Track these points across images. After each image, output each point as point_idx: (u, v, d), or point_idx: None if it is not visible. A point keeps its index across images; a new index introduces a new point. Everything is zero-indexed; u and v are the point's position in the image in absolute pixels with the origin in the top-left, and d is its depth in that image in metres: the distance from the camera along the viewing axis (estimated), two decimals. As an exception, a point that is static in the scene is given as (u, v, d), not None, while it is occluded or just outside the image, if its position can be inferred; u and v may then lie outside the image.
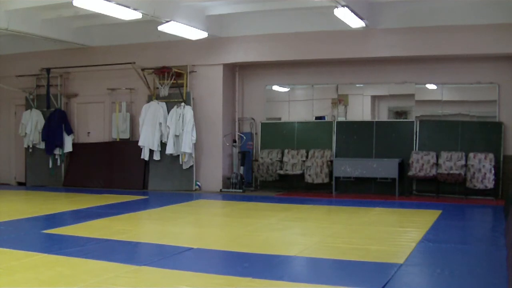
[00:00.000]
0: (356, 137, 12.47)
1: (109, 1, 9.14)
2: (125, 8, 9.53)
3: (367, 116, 12.73)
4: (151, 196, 12.06)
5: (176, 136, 12.65)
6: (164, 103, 12.94)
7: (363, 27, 11.29)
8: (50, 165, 13.97)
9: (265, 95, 13.48)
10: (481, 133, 11.57)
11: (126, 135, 13.65)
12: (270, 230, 7.80)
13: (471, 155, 11.31)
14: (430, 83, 12.18)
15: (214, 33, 12.33)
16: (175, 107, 12.74)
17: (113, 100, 13.80)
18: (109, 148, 13.80)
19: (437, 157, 11.59)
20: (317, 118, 13.10)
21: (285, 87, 13.52)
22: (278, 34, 12.38)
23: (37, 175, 14.19)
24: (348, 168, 11.84)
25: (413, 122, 12.09)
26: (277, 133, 13.20)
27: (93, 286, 4.74)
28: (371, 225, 8.13)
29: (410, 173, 11.54)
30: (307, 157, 12.63)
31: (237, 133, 13.41)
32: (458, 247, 6.53)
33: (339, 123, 12.69)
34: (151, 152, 12.94)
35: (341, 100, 12.88)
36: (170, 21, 10.84)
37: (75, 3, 9.17)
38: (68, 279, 4.95)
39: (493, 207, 10.09)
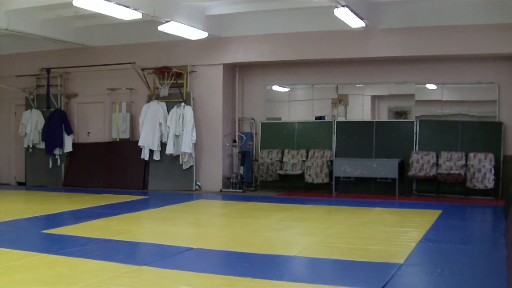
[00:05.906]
0: (356, 137, 12.47)
1: (109, 1, 9.14)
2: (125, 8, 9.53)
3: (367, 116, 12.73)
4: (151, 196, 12.06)
5: (176, 136, 12.66)
6: (164, 103, 12.94)
7: (363, 27, 11.29)
8: (50, 165, 13.96)
9: (265, 95, 13.48)
10: (481, 133, 11.57)
11: (126, 135, 13.65)
12: (270, 230, 7.80)
13: (471, 155, 11.31)
14: (430, 83, 12.18)
15: (214, 33, 12.33)
16: (175, 107, 12.74)
17: (113, 100, 13.79)
18: (109, 148, 13.80)
19: (437, 157, 11.59)
20: (317, 118, 13.10)
21: (285, 87, 13.51)
22: (278, 34, 12.38)
23: (37, 175, 14.18)
24: (348, 168, 11.83)
25: (413, 122, 12.09)
26: (277, 133, 13.19)
27: (93, 286, 4.74)
28: (371, 225, 8.12)
29: (410, 173, 11.53)
30: (307, 157, 12.63)
31: (237, 133, 13.40)
32: (458, 247, 6.52)
33: (339, 123, 12.69)
34: (151, 152, 12.94)
35: (341, 100, 12.87)
36: (170, 21, 10.84)
37: (75, 3, 9.17)
38: (68, 279, 4.95)
39: (493, 207, 10.09)
